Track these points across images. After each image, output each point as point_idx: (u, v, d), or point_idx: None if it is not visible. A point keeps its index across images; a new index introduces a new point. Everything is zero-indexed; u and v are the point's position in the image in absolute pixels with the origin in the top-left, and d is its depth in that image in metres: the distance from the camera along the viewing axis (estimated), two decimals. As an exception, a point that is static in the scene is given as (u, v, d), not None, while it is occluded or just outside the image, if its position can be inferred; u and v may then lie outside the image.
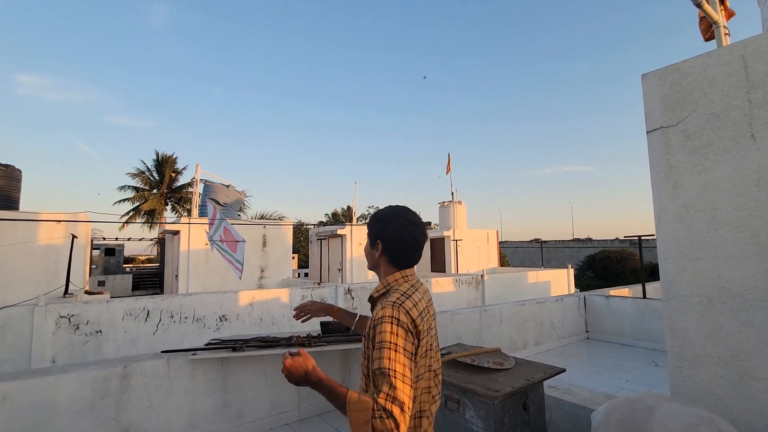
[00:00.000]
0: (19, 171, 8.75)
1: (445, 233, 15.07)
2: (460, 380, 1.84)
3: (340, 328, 3.77)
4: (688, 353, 1.76)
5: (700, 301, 1.74)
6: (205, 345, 3.44)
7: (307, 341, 3.48)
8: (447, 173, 16.08)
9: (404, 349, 1.06)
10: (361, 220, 22.01)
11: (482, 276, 11.03)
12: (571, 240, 36.03)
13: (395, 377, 1.00)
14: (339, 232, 12.07)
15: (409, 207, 1.35)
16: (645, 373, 5.41)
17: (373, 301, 1.29)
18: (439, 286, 9.90)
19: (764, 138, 1.59)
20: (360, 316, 1.66)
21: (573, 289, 13.53)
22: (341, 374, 4.17)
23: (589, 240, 34.51)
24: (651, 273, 23.55)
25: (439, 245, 15.72)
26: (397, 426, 0.96)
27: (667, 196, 1.87)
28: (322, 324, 3.78)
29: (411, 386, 1.03)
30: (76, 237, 7.85)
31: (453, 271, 14.16)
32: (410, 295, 1.18)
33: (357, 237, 12.28)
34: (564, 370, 1.95)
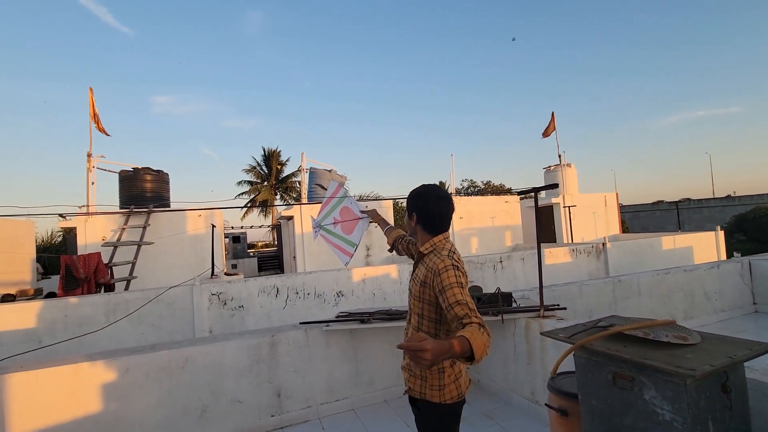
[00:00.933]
0: (167, 174, 10.36)
1: (554, 200, 13.85)
2: (634, 355, 1.57)
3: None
4: None
5: None
6: (336, 317, 3.65)
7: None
8: (548, 134, 14.60)
9: (463, 285, 1.47)
10: (460, 194, 21.49)
11: (603, 244, 9.88)
12: (711, 199, 30.31)
13: (468, 302, 1.41)
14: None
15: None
16: None
17: (420, 255, 1.67)
18: (552, 257, 9.15)
19: None
20: (390, 227, 2.27)
21: (723, 255, 11.35)
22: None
23: (733, 197, 28.69)
24: None
25: (546, 214, 14.53)
26: (488, 329, 1.34)
27: None
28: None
29: (472, 308, 1.41)
30: (215, 226, 9.05)
31: (565, 241, 13.00)
32: (455, 251, 1.62)
33: (458, 210, 11.97)
34: (778, 347, 1.54)
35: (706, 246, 11.39)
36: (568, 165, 14.64)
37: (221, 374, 3.14)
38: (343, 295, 7.36)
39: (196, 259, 9.60)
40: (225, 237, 20.27)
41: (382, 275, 7.64)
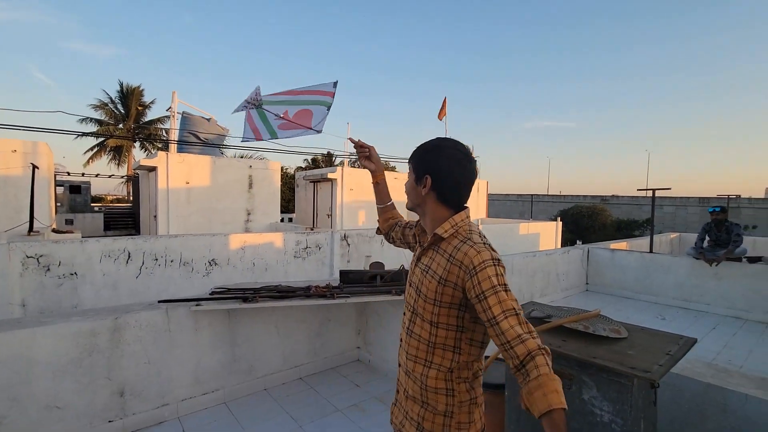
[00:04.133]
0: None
1: (438, 181, 14.63)
2: (580, 353, 1.43)
3: (361, 276, 3.34)
4: None
5: None
6: (210, 294, 2.94)
7: (329, 292, 3.03)
8: (441, 118, 15.27)
9: (509, 288, 1.02)
10: (354, 165, 21.17)
11: (477, 225, 10.82)
12: (546, 195, 36.56)
13: (520, 314, 0.99)
14: (330, 176, 11.39)
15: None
16: (655, 328, 5.37)
17: (435, 239, 1.14)
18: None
19: None
20: (390, 204, 1.59)
21: (560, 242, 13.65)
22: (356, 327, 3.81)
23: (561, 195, 35.11)
24: (618, 229, 24.45)
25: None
26: (550, 353, 0.96)
27: None
28: (342, 273, 3.33)
29: (522, 313, 1.01)
30: (38, 168, 6.90)
31: (444, 221, 13.92)
32: (484, 236, 1.13)
33: (349, 181, 11.66)
34: (696, 341, 1.58)
35: (549, 233, 13.49)
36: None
37: (29, 373, 2.21)
38: (216, 264, 6.40)
39: (5, 208, 7.25)
40: (59, 185, 16.20)
41: (265, 244, 6.89)
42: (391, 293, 3.16)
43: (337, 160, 23.04)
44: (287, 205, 20.97)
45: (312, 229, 9.20)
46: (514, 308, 0.96)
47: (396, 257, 8.52)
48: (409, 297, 1.22)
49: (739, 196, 23.89)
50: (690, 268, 6.14)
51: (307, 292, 3.06)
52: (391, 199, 1.57)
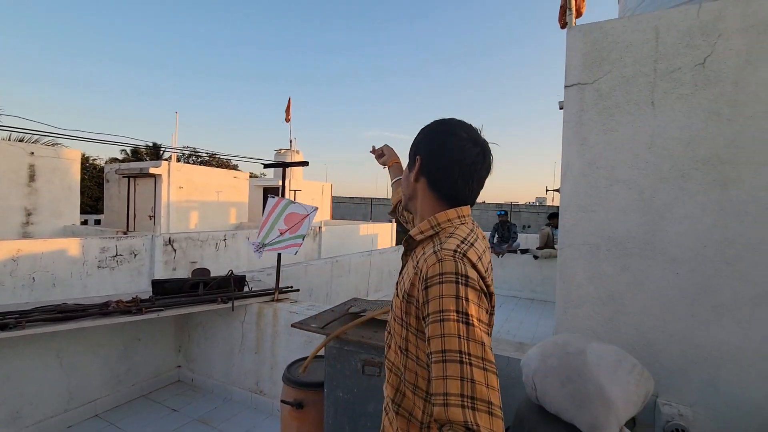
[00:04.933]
0: None
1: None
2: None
3: (181, 285, 2.96)
4: (574, 295, 1.97)
5: (589, 249, 1.95)
6: (-60, 325, 2.13)
7: (135, 307, 2.57)
8: (287, 120, 14.97)
9: (478, 320, 0.69)
10: (181, 161, 18.56)
11: (320, 228, 10.98)
12: (385, 198, 40.07)
13: (470, 364, 0.65)
14: (152, 170, 9.79)
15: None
16: (462, 310, 6.44)
17: (411, 244, 0.90)
18: (277, 237, 9.33)
19: (661, 106, 1.80)
20: (399, 178, 1.35)
21: (395, 240, 15.09)
22: (176, 343, 3.36)
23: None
24: None
25: (275, 194, 14.81)
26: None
27: (575, 151, 1.98)
28: (155, 283, 2.88)
29: (497, 374, 0.67)
30: None
31: (288, 222, 13.66)
32: (473, 243, 0.81)
33: (178, 178, 10.27)
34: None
35: (386, 234, 14.75)
36: (297, 151, 15.44)
37: None
38: (-34, 282, 4.71)
39: None
40: None
41: (53, 253, 5.45)
42: (217, 302, 2.90)
43: (166, 154, 20.06)
44: (95, 204, 17.12)
45: (126, 233, 7.73)
46: (461, 351, 0.66)
47: (232, 263, 7.91)
48: (389, 322, 0.95)
49: (518, 202, 30.98)
50: (487, 260, 7.61)
51: (104, 309, 2.53)
52: (400, 173, 1.42)
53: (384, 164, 1.47)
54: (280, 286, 3.29)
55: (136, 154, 22.62)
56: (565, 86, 1.99)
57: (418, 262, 0.81)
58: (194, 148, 27.13)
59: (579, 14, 3.24)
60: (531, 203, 33.22)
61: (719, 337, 1.67)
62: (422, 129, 0.95)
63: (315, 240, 10.84)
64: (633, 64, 1.84)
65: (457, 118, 0.93)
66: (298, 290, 3.46)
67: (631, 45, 1.85)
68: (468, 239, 0.81)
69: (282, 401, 2.01)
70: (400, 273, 0.93)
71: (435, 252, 0.77)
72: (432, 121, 0.95)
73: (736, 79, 1.65)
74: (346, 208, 38.38)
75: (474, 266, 0.75)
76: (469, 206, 0.90)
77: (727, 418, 1.66)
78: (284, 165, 3.25)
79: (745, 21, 1.64)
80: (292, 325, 1.79)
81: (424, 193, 0.90)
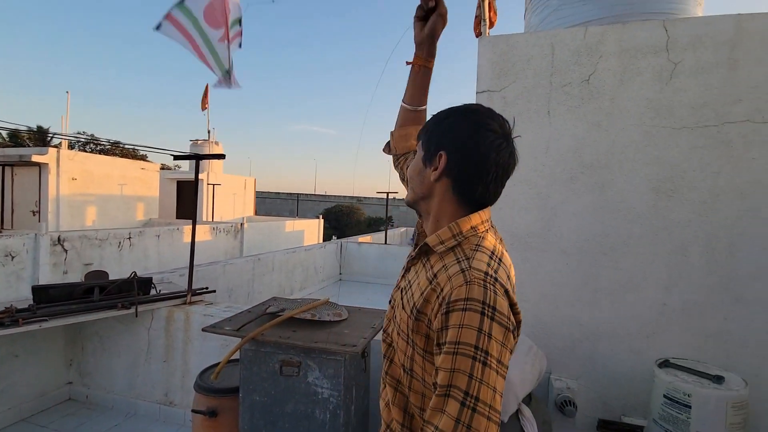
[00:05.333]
0: None
1: (200, 176, 13.25)
2: (305, 340, 1.56)
3: (71, 291, 2.61)
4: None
5: (496, 243, 2.13)
6: None
7: (8, 318, 2.21)
8: (204, 108, 13.89)
9: (498, 362, 0.61)
10: (74, 148, 16.14)
11: (242, 224, 10.43)
12: (312, 194, 39.46)
13: (474, 410, 0.58)
14: (36, 158, 8.44)
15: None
16: (385, 302, 6.59)
17: (426, 251, 0.77)
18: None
19: (555, 116, 2.02)
20: (425, 110, 1.03)
21: (322, 237, 14.91)
22: (66, 357, 2.97)
23: (326, 195, 38.77)
24: (369, 225, 29.23)
25: (188, 189, 13.70)
26: None
27: (484, 153, 2.14)
28: (37, 289, 2.50)
29: (498, 425, 0.61)
30: None
31: (206, 218, 12.74)
32: (501, 258, 0.72)
33: (70, 168, 8.99)
34: (394, 312, 2.00)
35: (313, 230, 14.52)
36: (216, 143, 14.46)
37: None
38: None
39: None
40: None
41: None
42: (117, 308, 2.61)
43: (56, 141, 17.40)
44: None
45: (0, 231, 6.58)
46: (467, 393, 0.59)
47: (139, 264, 7.15)
48: (386, 320, 0.86)
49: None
50: (411, 255, 7.89)
51: (-33, 323, 2.13)
52: (421, 104, 1.01)
53: (423, 46, 0.96)
54: (194, 287, 3.07)
55: (15, 139, 19.31)
56: (477, 92, 2.14)
57: (436, 276, 0.70)
58: (92, 135, 23.94)
59: (492, 25, 3.50)
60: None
61: (598, 317, 1.95)
62: (444, 115, 0.78)
63: (236, 237, 10.28)
64: (533, 77, 2.04)
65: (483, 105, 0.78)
66: (214, 291, 3.25)
67: (532, 59, 2.04)
68: (496, 253, 0.72)
69: (193, 411, 1.89)
70: (403, 277, 0.82)
71: (463, 271, 0.65)
72: (454, 106, 0.78)
73: (612, 96, 1.92)
74: (272, 204, 36.97)
75: (506, 293, 0.65)
76: (489, 208, 0.78)
77: (605, 387, 1.94)
78: (198, 157, 3.02)
79: (620, 45, 1.91)
80: (204, 329, 1.68)
81: (445, 196, 0.76)
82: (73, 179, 9.15)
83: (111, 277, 3.06)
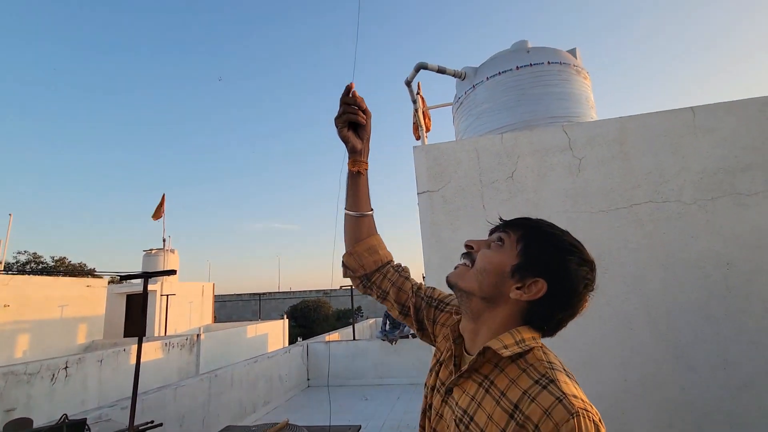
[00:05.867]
0: None
1: (151, 287, 12.51)
2: (259, 477, 1.40)
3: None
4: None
5: (456, 335, 2.13)
6: None
7: None
8: (159, 216, 13.74)
9: None
10: (11, 270, 14.84)
11: (198, 335, 9.69)
12: (277, 292, 38.00)
13: None
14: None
15: None
16: (360, 408, 6.08)
17: (487, 358, 0.67)
18: (143, 354, 7.88)
19: (489, 209, 2.21)
20: (372, 215, 0.97)
21: (287, 338, 14.02)
22: None
23: (291, 291, 37.44)
24: (338, 318, 28.02)
25: (137, 302, 12.79)
26: None
27: (432, 248, 2.25)
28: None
29: None
30: None
31: (157, 333, 11.73)
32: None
33: (2, 295, 8.23)
34: (360, 427, 1.86)
35: (277, 332, 13.70)
36: (172, 251, 14.03)
37: None
38: None
39: None
40: None
41: None
42: (39, 463, 2.24)
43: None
44: None
45: None
46: None
47: (77, 398, 6.27)
48: None
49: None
50: (380, 349, 7.53)
51: None
52: (372, 208, 0.97)
53: (355, 153, 0.94)
54: (136, 423, 2.72)
55: (-59, 267, 17.65)
56: (418, 193, 2.33)
57: (518, 408, 0.60)
58: (34, 254, 22.49)
59: (428, 129, 3.94)
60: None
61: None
62: (552, 237, 0.72)
63: (192, 351, 9.45)
64: (465, 177, 2.28)
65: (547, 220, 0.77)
66: (161, 425, 2.89)
67: (462, 162, 2.30)
68: (562, 364, 0.67)
69: None
70: (446, 403, 0.71)
71: (559, 401, 0.57)
72: (576, 242, 0.73)
73: (534, 188, 2.16)
74: (234, 307, 34.94)
75: (602, 422, 0.60)
76: None
77: None
78: (146, 275, 2.92)
79: (532, 146, 2.21)
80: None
81: (513, 317, 0.70)
82: (5, 306, 8.33)
83: (39, 421, 2.68)
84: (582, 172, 2.11)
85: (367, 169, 0.95)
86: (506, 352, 0.64)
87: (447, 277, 0.79)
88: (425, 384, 0.82)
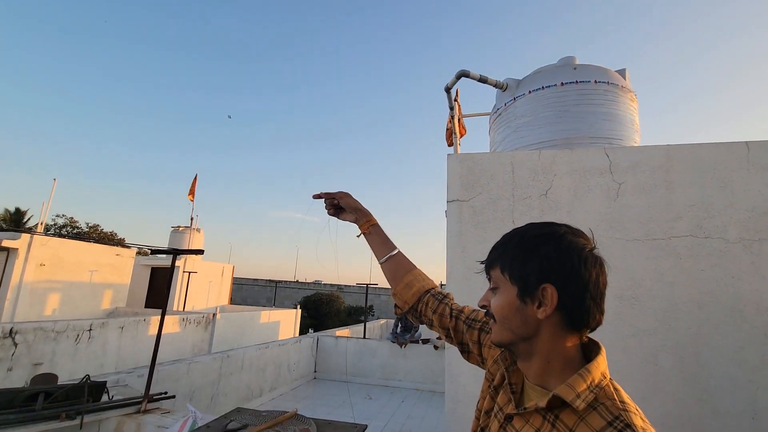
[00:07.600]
0: None
1: (177, 263, 12.95)
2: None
3: (11, 399, 2.35)
4: (461, 394, 2.06)
5: (471, 348, 2.11)
6: None
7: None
8: (191, 198, 14.20)
9: None
10: (50, 231, 15.75)
11: (214, 315, 9.95)
12: (292, 281, 38.54)
13: None
14: (6, 243, 8.19)
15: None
16: (363, 407, 6.09)
17: (556, 404, 0.63)
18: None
19: (519, 224, 2.17)
20: (394, 252, 1.05)
21: (298, 328, 14.22)
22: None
23: (306, 282, 37.91)
24: (349, 314, 28.16)
25: (162, 276, 13.27)
26: None
27: (456, 257, 2.23)
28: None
29: None
30: None
31: (176, 308, 12.13)
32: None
33: (40, 254, 8.71)
34: (366, 427, 1.87)
35: (289, 320, 13.91)
36: (198, 230, 14.46)
37: None
38: None
39: None
40: None
41: None
42: (60, 419, 2.36)
43: (33, 222, 17.14)
44: None
45: (-55, 323, 6.06)
46: None
47: (96, 361, 6.58)
48: None
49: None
50: (389, 351, 7.52)
51: None
52: (395, 247, 1.06)
53: (355, 222, 1.10)
54: (151, 392, 2.82)
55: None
56: (447, 201, 2.32)
57: None
58: (71, 218, 23.69)
59: (462, 135, 3.89)
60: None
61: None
62: (529, 242, 0.72)
63: (207, 329, 9.72)
64: (497, 189, 2.25)
65: (554, 222, 0.78)
66: (173, 397, 2.99)
67: (495, 174, 2.27)
68: (634, 404, 0.63)
69: None
70: (505, 430, 0.69)
71: None
72: (531, 227, 0.75)
73: (569, 209, 2.11)
74: (249, 291, 35.72)
75: None
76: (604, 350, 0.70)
77: None
78: (175, 252, 3.02)
79: (570, 166, 2.16)
80: (154, 451, 1.53)
81: (556, 332, 0.67)
82: (41, 265, 8.81)
83: (62, 378, 2.82)
84: (621, 197, 2.04)
85: (371, 226, 1.08)
86: (581, 405, 0.60)
87: (491, 341, 0.78)
88: (477, 407, 0.81)
